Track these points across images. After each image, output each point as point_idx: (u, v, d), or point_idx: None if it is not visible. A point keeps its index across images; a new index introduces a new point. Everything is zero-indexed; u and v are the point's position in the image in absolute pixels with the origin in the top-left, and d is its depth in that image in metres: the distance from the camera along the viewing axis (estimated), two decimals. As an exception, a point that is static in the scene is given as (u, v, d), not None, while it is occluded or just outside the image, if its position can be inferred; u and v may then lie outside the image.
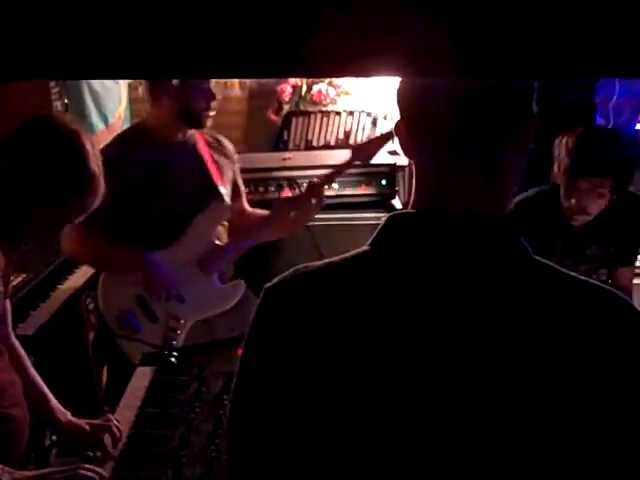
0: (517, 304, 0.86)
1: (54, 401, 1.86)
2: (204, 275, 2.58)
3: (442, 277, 0.87)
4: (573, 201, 2.30)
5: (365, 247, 0.93)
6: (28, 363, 1.86)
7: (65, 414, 1.84)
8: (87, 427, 1.79)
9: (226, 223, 2.70)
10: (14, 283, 2.63)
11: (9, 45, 0.51)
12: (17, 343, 1.86)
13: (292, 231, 2.73)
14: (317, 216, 3.08)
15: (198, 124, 2.51)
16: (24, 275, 2.79)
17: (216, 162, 2.63)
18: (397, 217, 0.93)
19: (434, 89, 0.87)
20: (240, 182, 2.78)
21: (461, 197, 0.89)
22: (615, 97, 3.59)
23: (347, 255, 0.94)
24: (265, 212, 2.74)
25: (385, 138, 2.72)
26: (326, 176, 2.70)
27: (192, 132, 2.56)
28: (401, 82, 0.93)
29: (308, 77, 3.70)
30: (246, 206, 2.81)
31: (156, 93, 2.48)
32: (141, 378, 2.02)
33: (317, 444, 0.89)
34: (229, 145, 2.74)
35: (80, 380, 3.04)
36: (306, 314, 0.92)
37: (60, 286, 3.08)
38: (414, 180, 0.94)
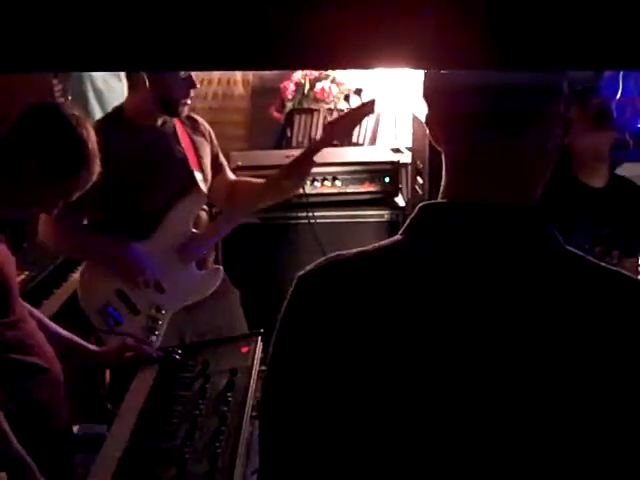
0: (551, 297, 0.87)
1: (81, 341, 2.09)
2: (183, 263, 2.57)
3: (476, 271, 0.88)
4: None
5: (398, 237, 0.94)
6: (46, 320, 2.06)
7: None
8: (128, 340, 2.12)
9: (206, 208, 2.69)
10: (17, 280, 2.64)
11: (10, 37, 0.51)
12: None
13: (286, 196, 2.77)
14: (320, 213, 3.07)
15: (175, 113, 2.47)
16: (27, 272, 2.80)
17: (194, 144, 2.60)
18: (429, 207, 0.95)
19: (458, 80, 0.88)
20: (220, 155, 2.75)
21: (490, 188, 0.91)
22: (618, 95, 3.58)
23: (380, 245, 0.95)
24: (253, 180, 2.73)
25: (361, 112, 2.70)
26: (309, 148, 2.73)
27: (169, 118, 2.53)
28: (426, 75, 0.95)
29: (316, 69, 3.67)
30: (230, 176, 2.78)
31: (134, 79, 2.44)
32: (145, 376, 2.03)
33: (347, 429, 0.90)
34: (203, 122, 2.71)
35: (83, 378, 3.04)
36: (339, 304, 0.92)
37: (64, 283, 3.08)
38: (444, 170, 0.96)
